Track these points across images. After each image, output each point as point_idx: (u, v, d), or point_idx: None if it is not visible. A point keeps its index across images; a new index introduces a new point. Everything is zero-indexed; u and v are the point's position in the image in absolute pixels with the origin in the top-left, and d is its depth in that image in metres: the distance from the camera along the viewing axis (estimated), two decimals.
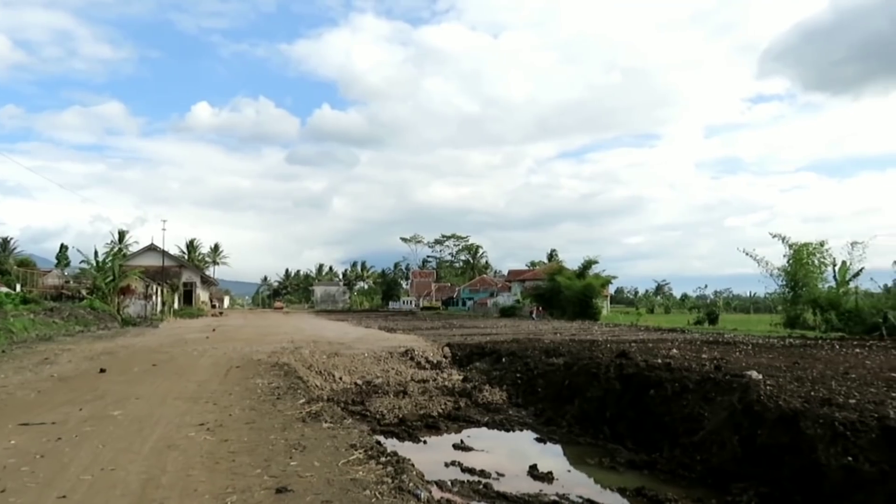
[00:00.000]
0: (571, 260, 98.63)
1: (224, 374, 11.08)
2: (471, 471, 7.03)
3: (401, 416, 9.77)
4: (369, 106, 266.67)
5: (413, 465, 5.50)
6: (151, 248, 57.70)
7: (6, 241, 72.08)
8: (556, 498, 6.16)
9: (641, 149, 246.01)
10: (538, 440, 9.03)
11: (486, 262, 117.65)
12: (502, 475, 6.93)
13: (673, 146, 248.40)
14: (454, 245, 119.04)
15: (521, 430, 9.58)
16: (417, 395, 11.32)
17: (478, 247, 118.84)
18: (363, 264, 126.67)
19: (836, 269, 26.67)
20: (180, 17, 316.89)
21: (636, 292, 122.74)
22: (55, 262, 78.11)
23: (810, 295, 26.78)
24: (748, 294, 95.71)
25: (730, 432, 6.84)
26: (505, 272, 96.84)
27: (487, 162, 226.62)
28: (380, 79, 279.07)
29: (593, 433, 8.96)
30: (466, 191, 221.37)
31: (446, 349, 16.89)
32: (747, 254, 28.90)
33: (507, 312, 52.20)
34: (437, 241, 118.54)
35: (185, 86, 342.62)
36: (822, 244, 27.15)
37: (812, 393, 7.05)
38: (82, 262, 39.28)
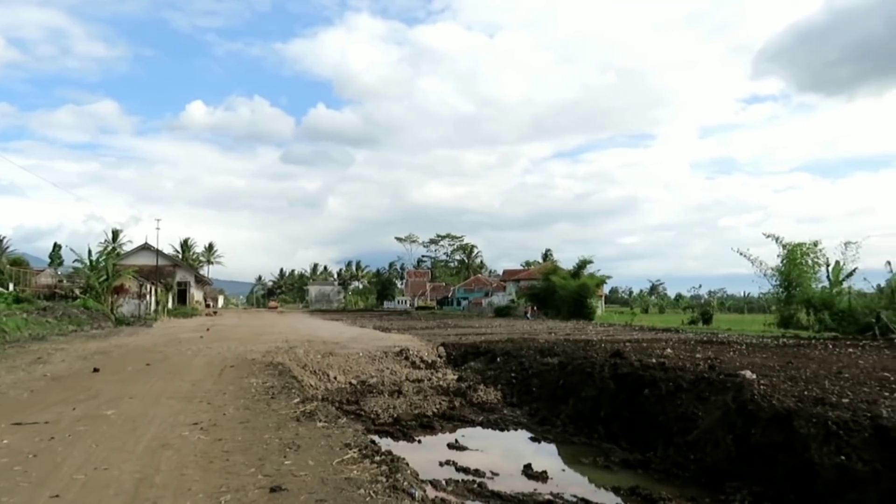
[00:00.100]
0: (566, 260, 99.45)
1: (218, 374, 11.04)
2: (465, 470, 7.03)
3: (395, 415, 9.76)
4: (364, 105, 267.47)
5: (407, 465, 5.50)
6: (145, 248, 57.38)
7: None
8: (551, 497, 6.16)
9: (636, 149, 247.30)
10: (533, 439, 9.04)
11: (481, 262, 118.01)
12: (497, 474, 6.93)
13: (667, 146, 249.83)
14: (449, 245, 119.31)
15: (516, 430, 9.58)
16: (412, 395, 11.31)
17: (473, 246, 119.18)
18: (358, 264, 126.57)
19: (830, 269, 26.81)
20: (175, 15, 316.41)
21: (631, 292, 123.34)
22: (48, 261, 77.87)
23: (804, 295, 26.90)
24: (742, 294, 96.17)
25: (724, 431, 6.86)
26: (500, 272, 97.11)
27: (482, 162, 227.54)
28: (375, 78, 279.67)
29: (588, 432, 8.98)
30: (461, 191, 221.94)
31: (441, 349, 16.87)
32: (741, 254, 28.98)
33: (501, 312, 52.18)
34: (432, 241, 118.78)
35: (180, 84, 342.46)
36: (815, 244, 27.31)
37: (805, 392, 7.07)
38: (76, 261, 39.12)
